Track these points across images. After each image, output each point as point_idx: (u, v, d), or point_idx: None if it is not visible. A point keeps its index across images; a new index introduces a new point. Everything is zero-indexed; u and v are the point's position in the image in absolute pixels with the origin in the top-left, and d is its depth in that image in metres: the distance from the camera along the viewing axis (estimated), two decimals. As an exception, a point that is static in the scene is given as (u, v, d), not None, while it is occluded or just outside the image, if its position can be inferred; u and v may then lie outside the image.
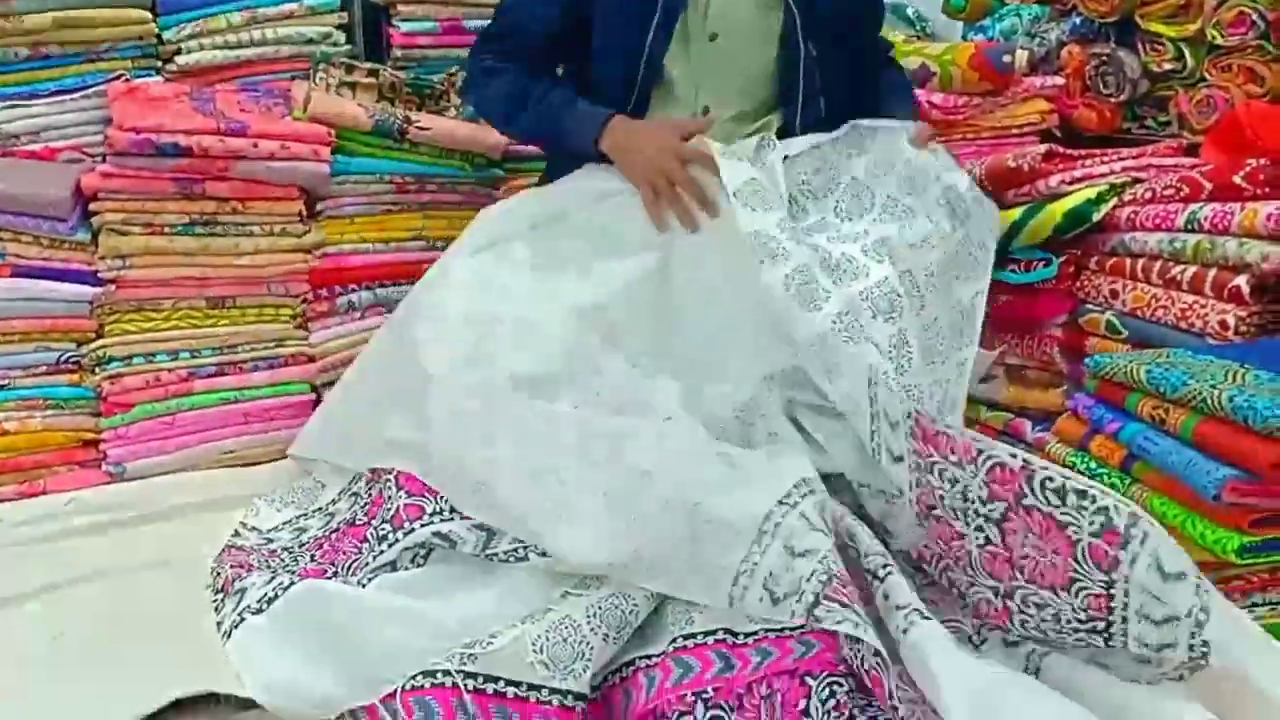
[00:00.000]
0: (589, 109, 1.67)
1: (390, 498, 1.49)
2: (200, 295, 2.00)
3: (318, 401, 2.09)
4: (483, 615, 1.34)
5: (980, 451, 1.19)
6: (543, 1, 1.71)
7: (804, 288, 1.44)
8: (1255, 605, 1.28)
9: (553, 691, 1.26)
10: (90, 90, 2.12)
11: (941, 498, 1.23)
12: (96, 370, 1.94)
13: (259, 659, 1.32)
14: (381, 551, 1.43)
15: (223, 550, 1.59)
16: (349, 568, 1.44)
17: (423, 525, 1.43)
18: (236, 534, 1.65)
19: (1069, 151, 1.92)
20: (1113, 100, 2.14)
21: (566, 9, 1.69)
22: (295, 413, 2.07)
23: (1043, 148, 1.88)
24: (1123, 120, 2.17)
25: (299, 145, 2.00)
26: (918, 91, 2.13)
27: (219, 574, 1.52)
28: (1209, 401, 1.26)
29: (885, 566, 1.21)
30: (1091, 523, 1.10)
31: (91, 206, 1.93)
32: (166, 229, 1.95)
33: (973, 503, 1.19)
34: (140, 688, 1.31)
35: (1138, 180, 1.82)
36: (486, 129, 2.11)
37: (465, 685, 1.24)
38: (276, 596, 1.37)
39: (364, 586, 1.39)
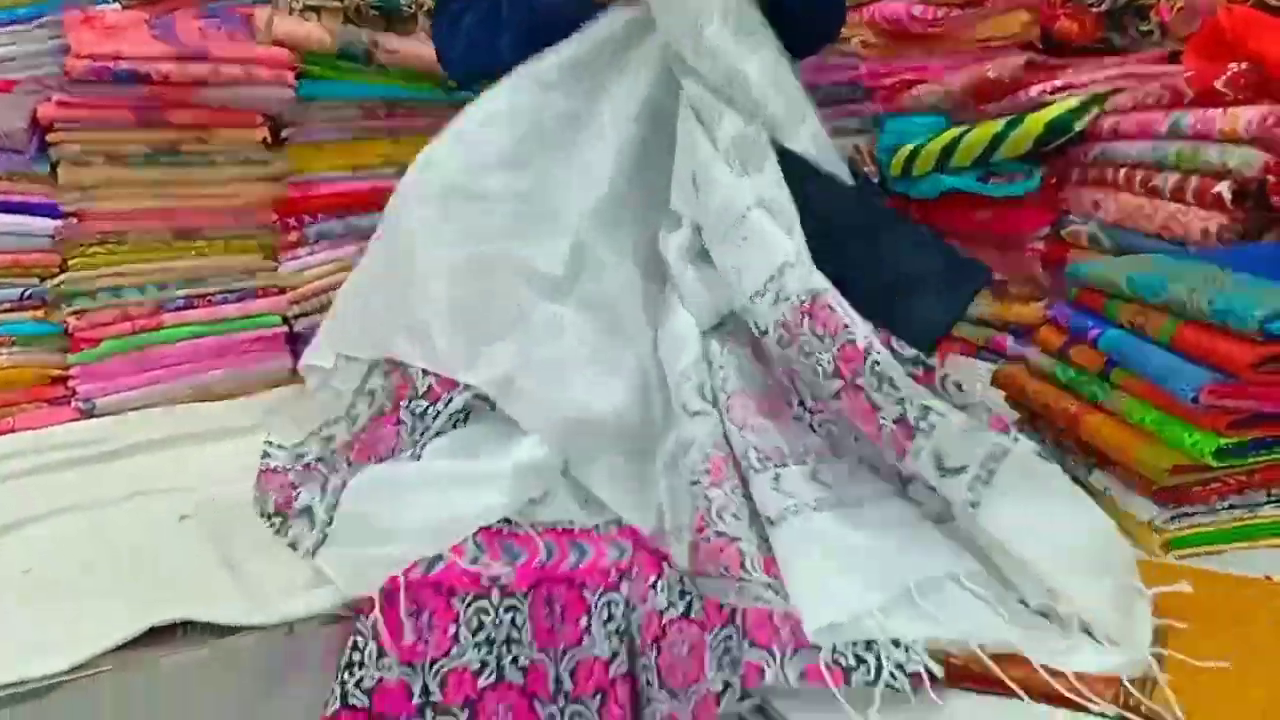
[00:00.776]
0: None
1: (418, 378, 1.44)
2: (166, 227, 1.96)
3: (290, 334, 2.06)
4: (535, 465, 1.32)
5: (844, 326, 1.17)
6: None
7: None
8: (1232, 507, 1.27)
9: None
10: (45, 19, 2.06)
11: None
12: (62, 305, 1.90)
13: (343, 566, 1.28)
14: (426, 426, 1.39)
15: (259, 476, 1.55)
16: (392, 451, 1.41)
17: (459, 393, 1.38)
18: (265, 455, 1.60)
19: (1050, 61, 1.88)
20: (1094, 10, 2.09)
21: None
22: (267, 346, 2.04)
23: (1023, 58, 1.85)
24: (1105, 30, 2.12)
25: (262, 70, 1.95)
26: (897, 4, 2.09)
27: (265, 500, 1.49)
28: (1189, 305, 1.24)
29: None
30: (892, 411, 1.12)
31: (49, 138, 1.87)
32: (128, 159, 1.91)
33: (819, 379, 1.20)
34: (114, 617, 1.29)
35: (1119, 89, 1.79)
36: (456, 51, 2.05)
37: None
38: (336, 502, 1.34)
39: (418, 459, 1.35)
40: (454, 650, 1.14)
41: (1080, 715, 0.96)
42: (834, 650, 0.99)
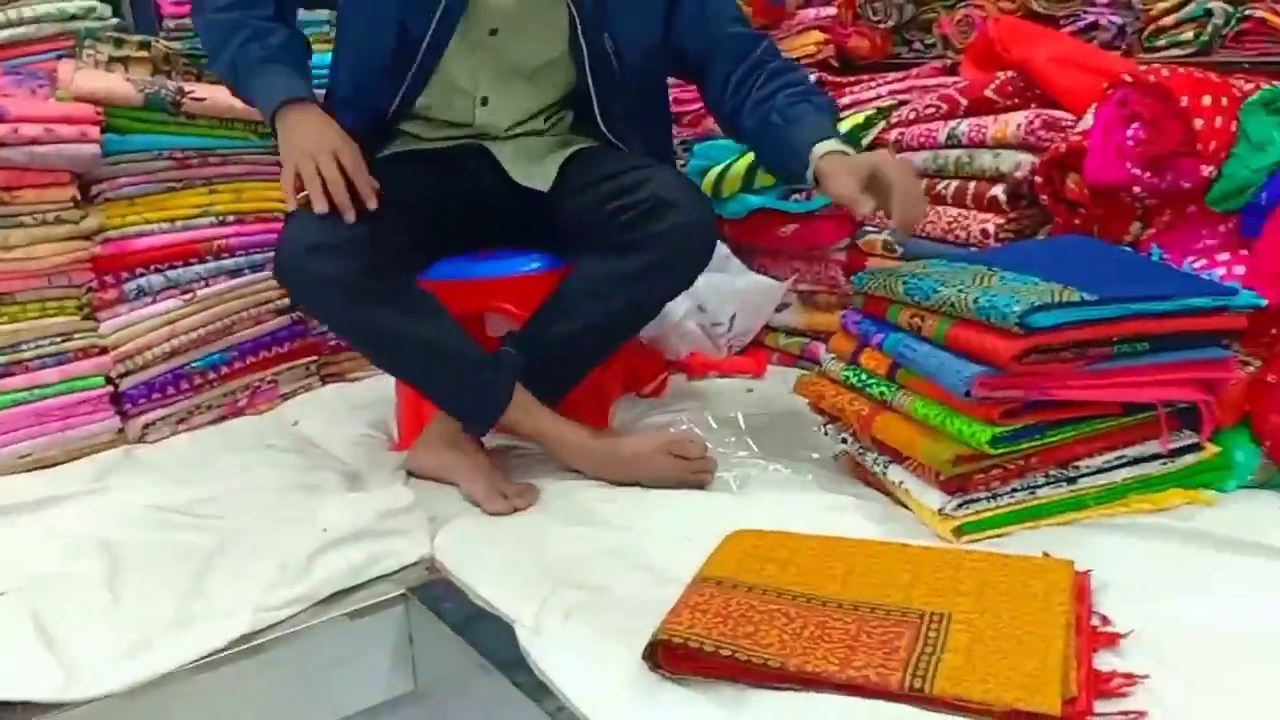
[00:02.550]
0: (279, 80, 1.58)
1: None
2: (-23, 294, 1.91)
3: (115, 394, 2.02)
4: None
5: None
6: None
7: None
8: (1015, 490, 1.36)
9: None
10: None
11: None
12: (-127, 381, 1.83)
13: None
14: None
15: None
16: None
17: None
18: None
19: (837, 80, 1.98)
20: (882, 27, 2.21)
21: None
22: (92, 408, 1.99)
23: (813, 78, 1.94)
24: (894, 45, 2.24)
25: (65, 127, 1.90)
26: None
27: None
28: (957, 305, 1.34)
29: None
30: None
31: None
32: (-69, 226, 1.85)
33: None
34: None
35: (903, 102, 1.89)
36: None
37: None
38: None
39: None
40: None
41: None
42: None
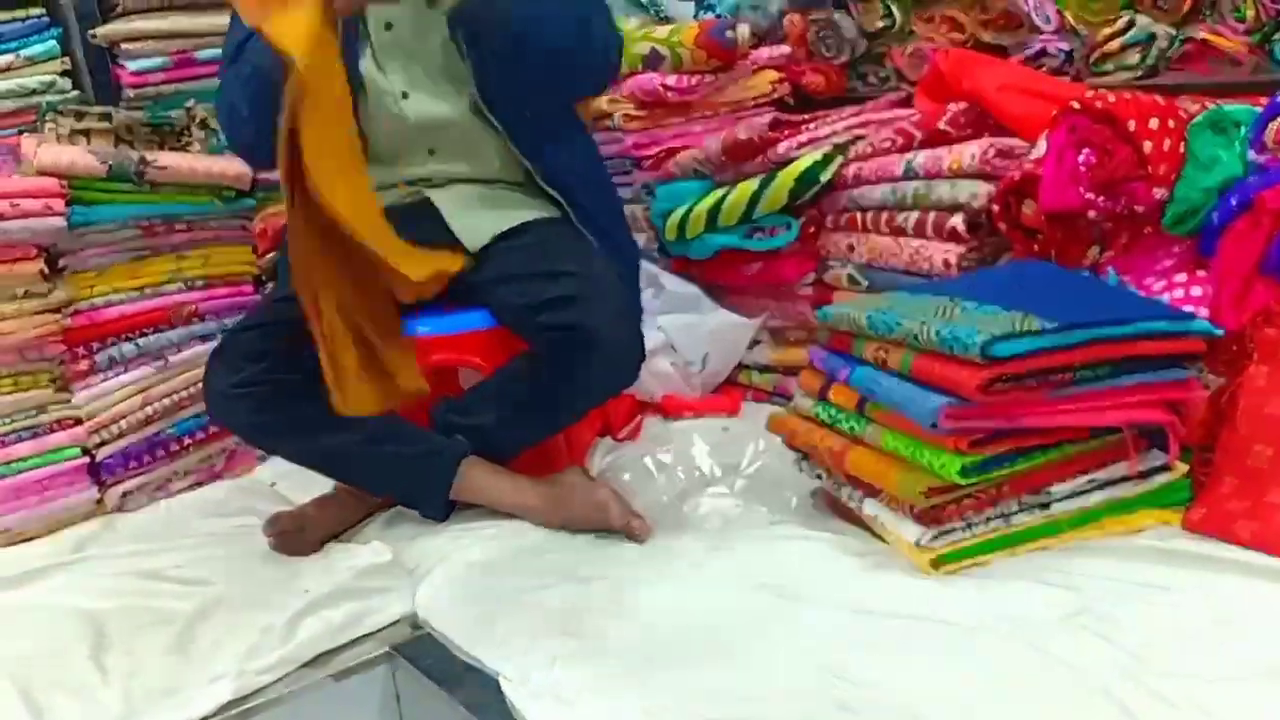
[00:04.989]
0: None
1: None
2: (-53, 374, 1.90)
3: (92, 464, 2.01)
4: None
5: None
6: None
7: None
8: (990, 519, 1.37)
9: None
10: None
11: None
12: None
13: None
14: None
15: None
16: None
17: None
18: None
19: (792, 118, 2.00)
20: (836, 62, 2.23)
21: None
22: (70, 480, 1.99)
23: (768, 117, 1.96)
24: (848, 80, 2.27)
25: (29, 201, 1.91)
26: (651, 75, 2.18)
27: None
28: (920, 337, 1.35)
29: None
30: None
31: None
32: (-100, 308, 1.85)
33: None
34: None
35: (860, 137, 1.92)
36: (230, 159, 2.07)
37: None
38: None
39: None
40: None
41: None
42: None
